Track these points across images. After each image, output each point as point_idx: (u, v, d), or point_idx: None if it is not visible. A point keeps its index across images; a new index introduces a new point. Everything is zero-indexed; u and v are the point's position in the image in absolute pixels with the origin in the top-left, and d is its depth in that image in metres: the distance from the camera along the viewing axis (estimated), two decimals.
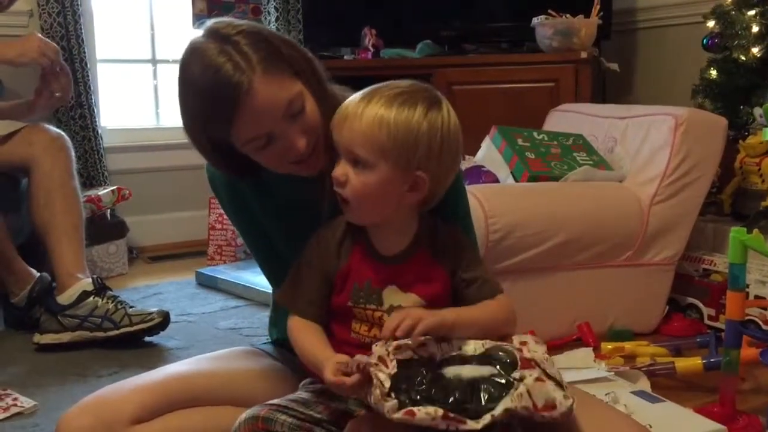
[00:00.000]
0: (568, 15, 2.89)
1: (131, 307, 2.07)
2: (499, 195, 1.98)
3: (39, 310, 2.12)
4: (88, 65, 3.03)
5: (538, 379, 0.98)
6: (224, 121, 1.07)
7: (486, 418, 0.94)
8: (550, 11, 2.91)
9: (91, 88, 3.05)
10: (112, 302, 2.05)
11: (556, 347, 1.92)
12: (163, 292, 2.64)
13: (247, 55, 1.06)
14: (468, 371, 1.02)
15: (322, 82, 1.16)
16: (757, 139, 2.25)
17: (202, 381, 1.28)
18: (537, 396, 0.96)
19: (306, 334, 1.14)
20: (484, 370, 1.02)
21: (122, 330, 2.01)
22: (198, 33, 1.12)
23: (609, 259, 2.06)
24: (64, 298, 2.06)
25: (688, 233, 2.12)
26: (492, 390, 0.98)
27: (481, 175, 2.20)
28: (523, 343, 1.06)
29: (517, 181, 2.17)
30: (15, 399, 1.70)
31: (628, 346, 1.87)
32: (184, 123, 1.13)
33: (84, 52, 2.99)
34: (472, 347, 1.06)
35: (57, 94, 2.22)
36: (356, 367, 0.99)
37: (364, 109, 1.06)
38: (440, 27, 3.26)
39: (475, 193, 1.90)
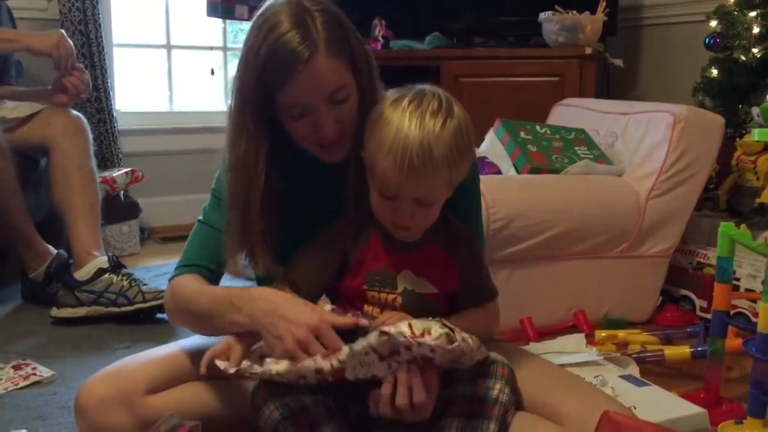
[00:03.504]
0: (574, 11, 2.94)
1: (145, 284, 2.15)
2: (501, 186, 2.05)
3: (56, 285, 2.20)
4: (105, 49, 3.10)
5: (425, 320, 1.04)
6: (277, 81, 1.11)
7: (360, 342, 1.01)
8: (557, 7, 2.97)
9: (107, 71, 3.12)
10: (127, 279, 2.14)
11: (551, 333, 1.99)
12: None
13: (318, 31, 1.10)
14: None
15: (373, 84, 1.20)
16: (753, 137, 2.31)
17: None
18: (416, 327, 1.02)
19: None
20: None
21: (136, 306, 2.10)
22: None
23: (606, 251, 2.13)
24: (81, 274, 2.14)
25: (683, 227, 2.19)
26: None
27: (484, 166, 2.26)
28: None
29: (518, 172, 2.23)
30: (34, 368, 1.78)
31: (621, 334, 1.94)
32: (241, 72, 1.14)
33: (101, 37, 3.06)
34: None
35: (83, 95, 2.35)
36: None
37: (431, 158, 1.08)
38: (449, 20, 3.32)
39: None
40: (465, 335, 1.06)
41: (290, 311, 1.10)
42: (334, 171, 1.22)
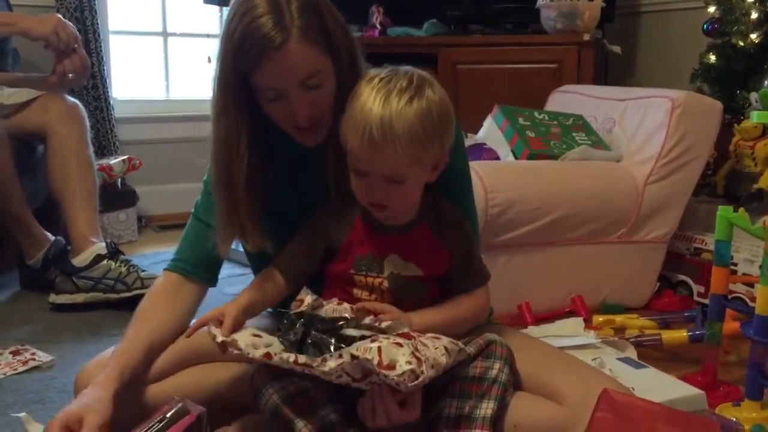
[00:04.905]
0: None
1: (143, 270, 2.15)
2: (499, 171, 2.05)
3: (54, 271, 2.20)
4: (101, 36, 3.09)
5: (395, 344, 1.02)
6: (250, 64, 1.11)
7: (330, 364, 1.01)
8: None
9: (103, 59, 3.11)
10: (125, 266, 2.14)
11: (549, 318, 1.99)
12: None
13: (292, 17, 1.10)
14: (349, 332, 1.09)
15: (354, 69, 1.19)
16: (751, 123, 2.31)
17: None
18: (385, 354, 1.00)
19: (262, 277, 1.24)
20: (363, 333, 1.09)
21: (134, 292, 2.09)
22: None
23: (603, 236, 2.13)
24: (79, 260, 2.14)
25: (680, 213, 2.19)
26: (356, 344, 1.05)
27: (482, 152, 2.26)
28: (436, 338, 1.10)
29: (517, 158, 2.23)
30: (33, 354, 1.79)
31: (619, 318, 1.94)
32: (220, 53, 1.15)
33: (97, 24, 3.05)
34: (372, 322, 1.13)
35: (70, 75, 2.30)
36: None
37: (391, 132, 1.09)
38: (447, 7, 3.30)
39: (476, 169, 1.96)
40: (437, 356, 1.05)
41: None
42: (317, 153, 1.22)
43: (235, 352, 1.08)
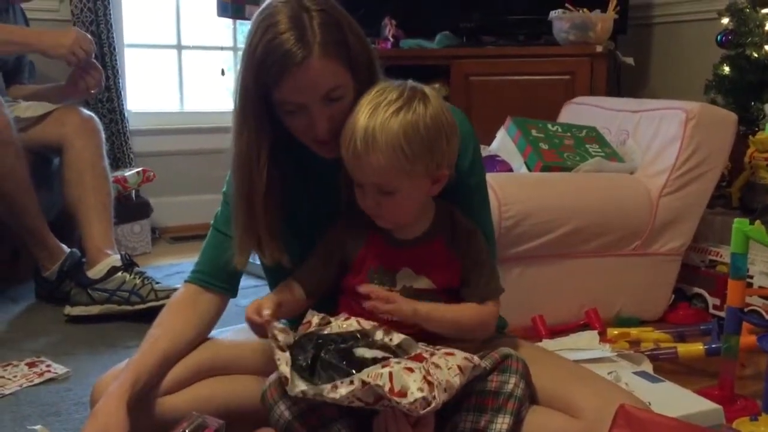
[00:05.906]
0: (585, 9, 2.93)
1: (157, 282, 2.16)
2: (513, 183, 2.05)
3: (69, 283, 2.21)
4: (116, 50, 3.12)
5: (407, 369, 1.02)
6: (272, 80, 1.12)
7: (341, 391, 1.01)
8: (567, 5, 2.96)
9: (119, 72, 3.14)
10: (139, 278, 2.15)
11: (563, 331, 1.99)
12: (186, 271, 2.65)
13: (314, 32, 1.10)
14: (361, 352, 1.08)
15: (373, 81, 1.19)
16: (766, 134, 2.30)
17: (226, 352, 1.36)
18: (396, 381, 1.00)
19: (284, 285, 1.25)
20: (375, 354, 1.08)
21: (149, 304, 2.10)
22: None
23: (618, 248, 2.12)
24: (94, 272, 2.15)
25: (695, 225, 2.18)
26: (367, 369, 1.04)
27: (495, 164, 2.26)
28: (449, 354, 1.10)
29: (530, 170, 2.23)
30: (48, 366, 1.79)
31: (634, 332, 1.93)
32: (242, 68, 1.16)
33: (112, 37, 3.08)
34: (383, 337, 1.12)
35: (92, 91, 2.35)
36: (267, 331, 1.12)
37: (373, 144, 1.10)
38: (459, 19, 3.31)
39: (489, 181, 1.93)
40: (449, 377, 1.05)
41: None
42: (336, 166, 1.22)
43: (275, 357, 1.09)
